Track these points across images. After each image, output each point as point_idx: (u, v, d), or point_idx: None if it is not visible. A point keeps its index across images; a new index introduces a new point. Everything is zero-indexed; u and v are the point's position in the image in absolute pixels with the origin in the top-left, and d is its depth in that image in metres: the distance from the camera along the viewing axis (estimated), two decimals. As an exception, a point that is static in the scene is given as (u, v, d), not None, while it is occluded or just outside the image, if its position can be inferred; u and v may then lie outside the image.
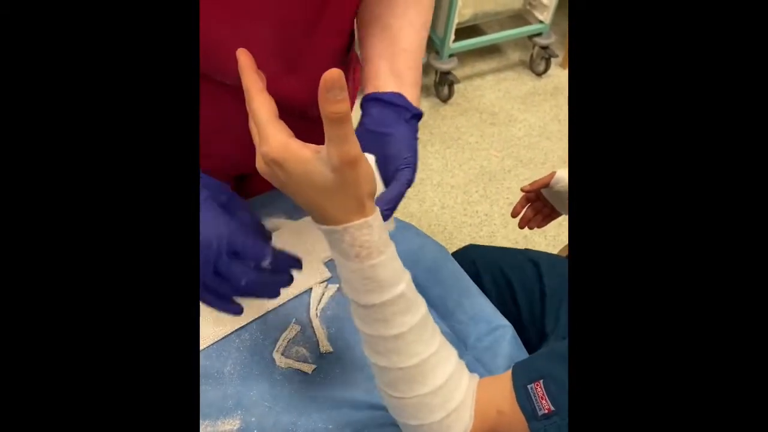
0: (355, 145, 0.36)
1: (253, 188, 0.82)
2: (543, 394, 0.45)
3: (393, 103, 0.53)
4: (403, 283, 0.42)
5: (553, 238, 1.63)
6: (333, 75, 0.32)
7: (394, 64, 0.55)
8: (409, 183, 0.51)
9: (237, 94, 0.60)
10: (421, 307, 0.44)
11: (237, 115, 0.63)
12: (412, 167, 0.51)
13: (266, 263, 0.43)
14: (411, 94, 0.54)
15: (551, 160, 1.88)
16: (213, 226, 0.41)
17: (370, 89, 0.55)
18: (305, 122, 0.67)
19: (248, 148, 0.69)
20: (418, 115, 0.54)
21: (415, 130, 0.54)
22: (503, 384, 0.47)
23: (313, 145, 0.38)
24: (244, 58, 0.42)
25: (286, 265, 0.45)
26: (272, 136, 0.37)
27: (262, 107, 0.39)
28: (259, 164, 0.39)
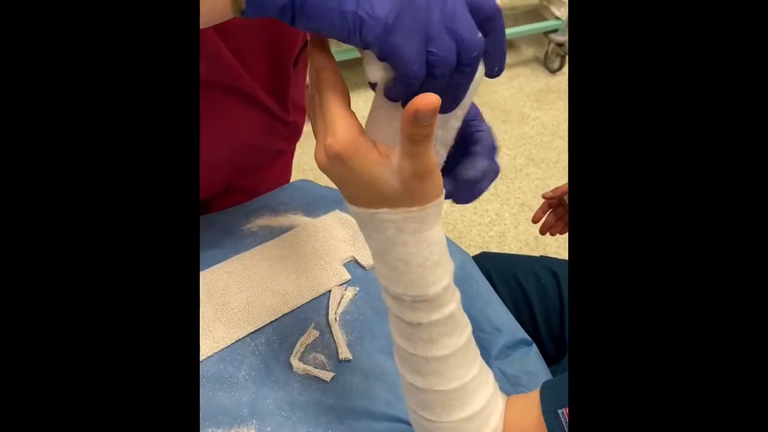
0: (429, 158, 0.33)
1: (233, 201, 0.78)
2: None
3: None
4: (453, 303, 0.39)
5: (564, 240, 1.60)
6: (433, 102, 0.30)
7: None
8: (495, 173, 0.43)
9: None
10: (467, 328, 0.41)
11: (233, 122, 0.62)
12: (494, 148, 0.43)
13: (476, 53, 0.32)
14: None
15: (563, 160, 1.85)
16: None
17: None
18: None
19: (242, 148, 0.68)
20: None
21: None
22: (531, 407, 0.45)
23: (383, 147, 0.35)
24: (315, 37, 0.37)
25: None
26: (341, 128, 0.34)
27: (334, 93, 0.35)
28: (319, 155, 0.35)
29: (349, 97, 0.36)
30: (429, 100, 0.29)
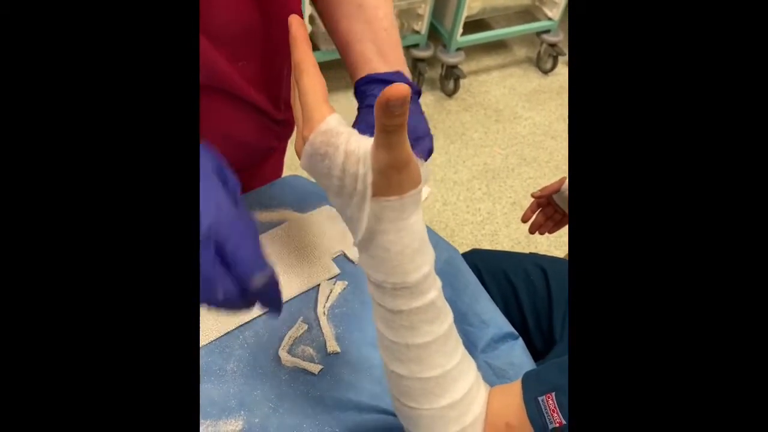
0: (405, 149, 0.34)
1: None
2: (554, 407, 0.43)
3: (395, 81, 0.50)
4: (434, 291, 0.40)
5: (555, 238, 1.62)
6: (402, 91, 0.30)
7: (380, 46, 0.53)
8: (430, 152, 0.49)
9: (221, 96, 0.61)
10: (448, 316, 0.42)
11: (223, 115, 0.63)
12: (431, 136, 0.49)
13: (256, 283, 0.33)
14: (404, 72, 0.53)
15: (555, 160, 1.86)
16: (211, 209, 0.33)
17: (365, 72, 0.52)
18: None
19: (234, 146, 0.69)
20: (418, 93, 0.53)
21: (420, 108, 0.52)
22: (513, 395, 0.45)
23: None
24: (297, 28, 0.39)
25: (270, 298, 0.37)
26: (318, 120, 0.35)
27: (312, 86, 0.36)
28: (298, 145, 0.37)
29: (325, 89, 0.37)
30: (399, 89, 0.30)
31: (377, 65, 0.52)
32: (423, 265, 0.39)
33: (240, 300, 0.34)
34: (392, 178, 0.35)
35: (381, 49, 0.52)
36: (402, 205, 0.36)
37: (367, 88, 0.52)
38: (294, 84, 0.37)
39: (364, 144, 0.35)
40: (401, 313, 0.40)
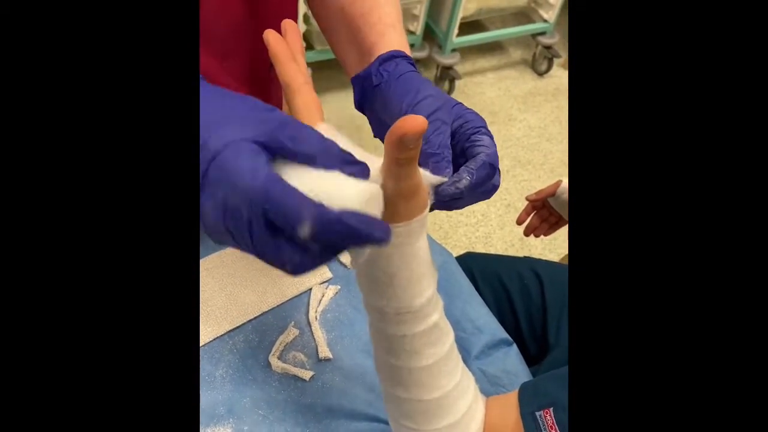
0: (416, 178, 0.33)
1: None
2: (552, 423, 0.42)
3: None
4: (437, 313, 0.39)
5: (549, 241, 1.61)
6: (419, 125, 0.28)
7: (393, 20, 0.49)
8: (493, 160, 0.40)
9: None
10: (450, 335, 0.41)
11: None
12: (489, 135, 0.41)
13: (305, 231, 0.26)
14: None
15: (550, 162, 1.86)
16: (248, 177, 0.26)
17: (385, 47, 0.46)
18: None
19: None
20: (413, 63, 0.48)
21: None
22: (509, 409, 0.44)
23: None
24: (275, 47, 0.36)
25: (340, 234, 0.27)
26: None
27: (306, 106, 0.34)
28: None
29: (320, 106, 0.35)
30: (415, 122, 0.29)
31: (391, 38, 0.47)
32: (427, 288, 0.37)
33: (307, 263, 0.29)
34: (400, 207, 0.33)
35: (393, 23, 0.48)
36: (409, 231, 0.35)
37: (389, 64, 0.45)
38: (286, 102, 0.36)
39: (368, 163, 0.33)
40: (404, 338, 0.38)
